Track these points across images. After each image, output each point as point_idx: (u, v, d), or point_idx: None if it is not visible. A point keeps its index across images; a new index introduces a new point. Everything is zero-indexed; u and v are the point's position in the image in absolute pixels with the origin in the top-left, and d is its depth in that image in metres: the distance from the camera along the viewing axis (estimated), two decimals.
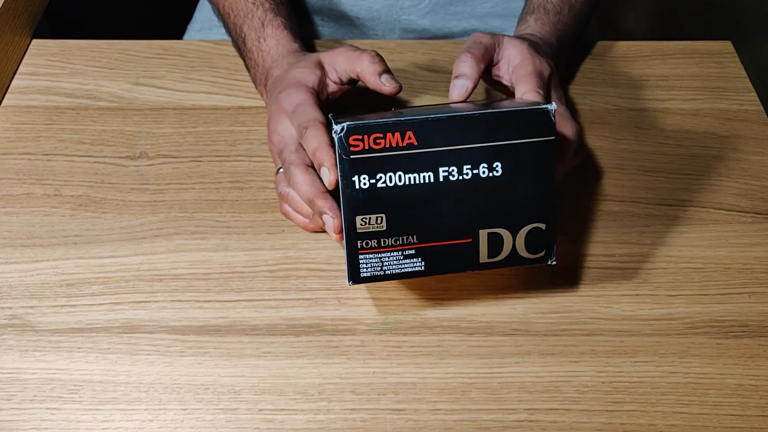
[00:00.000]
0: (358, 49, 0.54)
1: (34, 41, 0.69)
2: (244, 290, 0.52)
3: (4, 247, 0.54)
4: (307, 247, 0.54)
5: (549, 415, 0.46)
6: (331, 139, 0.45)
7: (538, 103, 0.44)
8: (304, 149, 0.49)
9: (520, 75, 0.52)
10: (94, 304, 0.51)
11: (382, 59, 0.53)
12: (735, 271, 0.53)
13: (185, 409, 0.46)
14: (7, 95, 0.64)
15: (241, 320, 0.50)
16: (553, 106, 0.42)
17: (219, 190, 0.57)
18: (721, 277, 0.53)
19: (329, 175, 0.45)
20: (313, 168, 0.49)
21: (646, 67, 0.68)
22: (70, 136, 0.61)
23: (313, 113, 0.50)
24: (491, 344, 0.49)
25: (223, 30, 0.72)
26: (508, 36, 0.55)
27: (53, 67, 0.66)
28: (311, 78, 0.54)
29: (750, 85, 0.66)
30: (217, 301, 0.51)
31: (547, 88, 0.52)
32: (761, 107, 0.64)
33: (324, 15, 0.76)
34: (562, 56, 0.62)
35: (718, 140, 0.62)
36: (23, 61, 0.67)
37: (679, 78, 0.67)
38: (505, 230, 0.44)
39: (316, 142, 0.48)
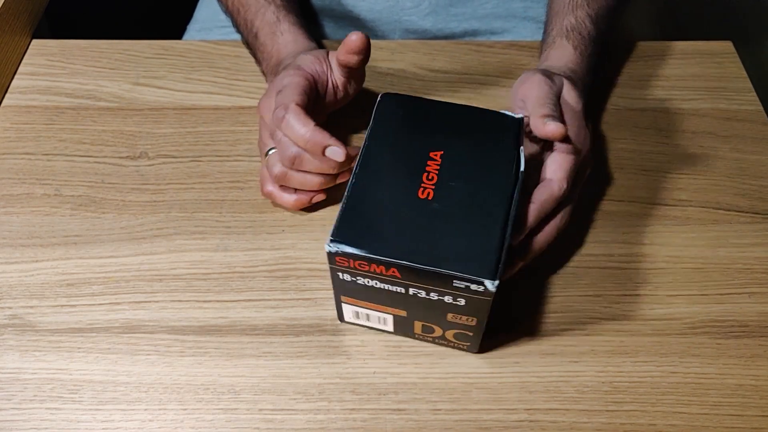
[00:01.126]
0: None
1: (34, 41, 0.69)
2: (243, 290, 0.52)
3: (4, 247, 0.54)
4: (307, 247, 0.54)
5: (549, 415, 0.46)
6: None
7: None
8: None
9: (556, 151, 0.50)
10: (94, 304, 0.51)
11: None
12: (735, 271, 0.53)
13: (185, 409, 0.46)
14: (7, 95, 0.64)
15: (241, 320, 0.50)
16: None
17: (219, 190, 0.57)
18: (720, 277, 0.53)
19: (340, 152, 0.48)
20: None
21: (646, 67, 0.68)
22: (70, 136, 0.61)
23: (293, 95, 0.50)
24: (491, 344, 0.49)
25: (223, 30, 0.72)
26: (565, 84, 0.52)
27: (53, 67, 0.66)
28: (313, 67, 0.54)
29: (750, 85, 0.66)
30: (217, 301, 0.51)
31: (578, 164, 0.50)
32: (761, 107, 0.64)
33: (325, 15, 0.76)
34: (588, 79, 0.58)
35: (718, 140, 0.62)
36: (23, 61, 0.67)
37: (679, 78, 0.67)
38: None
39: (304, 129, 0.49)
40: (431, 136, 0.47)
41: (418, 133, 0.47)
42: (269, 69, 0.60)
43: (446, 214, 0.43)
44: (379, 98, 0.49)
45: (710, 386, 0.48)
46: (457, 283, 0.42)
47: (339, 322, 0.50)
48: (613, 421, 0.46)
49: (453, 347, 0.49)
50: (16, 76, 0.66)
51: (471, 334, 0.46)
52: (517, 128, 0.47)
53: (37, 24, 0.71)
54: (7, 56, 0.65)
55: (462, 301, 0.43)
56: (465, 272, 0.41)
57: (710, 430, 0.46)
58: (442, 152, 0.46)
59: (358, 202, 0.44)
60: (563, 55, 0.57)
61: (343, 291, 0.46)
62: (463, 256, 0.42)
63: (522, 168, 0.45)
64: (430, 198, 0.44)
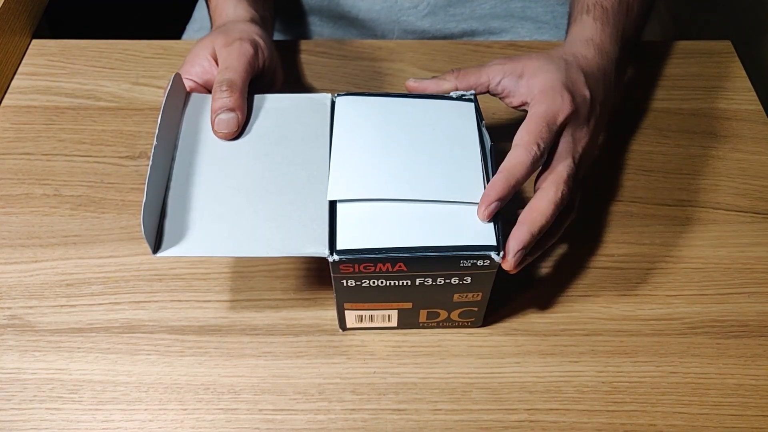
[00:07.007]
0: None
1: (34, 41, 0.69)
2: (244, 290, 0.52)
3: (4, 247, 0.54)
4: None
5: (549, 415, 0.46)
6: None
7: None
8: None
9: (527, 117, 0.46)
10: (94, 304, 0.51)
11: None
12: (734, 271, 0.53)
13: (185, 409, 0.46)
14: (7, 95, 0.64)
15: (241, 320, 0.50)
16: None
17: None
18: (720, 277, 0.53)
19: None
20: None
21: (646, 66, 0.68)
22: (70, 136, 0.61)
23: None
24: (491, 344, 0.49)
25: None
26: (540, 62, 0.49)
27: (53, 67, 0.66)
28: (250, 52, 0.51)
29: (749, 84, 0.66)
30: (217, 301, 0.51)
31: (553, 135, 0.46)
32: (760, 107, 0.64)
33: (323, 15, 0.76)
34: (622, 63, 0.54)
35: (717, 140, 0.62)
36: (23, 61, 0.67)
37: (678, 78, 0.67)
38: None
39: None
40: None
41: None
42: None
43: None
44: (332, 100, 0.48)
45: (710, 386, 0.48)
46: (463, 263, 0.42)
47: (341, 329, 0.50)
48: (613, 421, 0.46)
49: (458, 326, 0.49)
50: (16, 76, 0.66)
51: (476, 309, 0.47)
52: (473, 108, 0.48)
53: (37, 24, 0.71)
54: (7, 56, 0.65)
55: (468, 279, 0.44)
56: (471, 250, 0.41)
57: (710, 430, 0.46)
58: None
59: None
60: (584, 28, 0.54)
61: (346, 298, 0.46)
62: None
63: (489, 142, 0.45)
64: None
